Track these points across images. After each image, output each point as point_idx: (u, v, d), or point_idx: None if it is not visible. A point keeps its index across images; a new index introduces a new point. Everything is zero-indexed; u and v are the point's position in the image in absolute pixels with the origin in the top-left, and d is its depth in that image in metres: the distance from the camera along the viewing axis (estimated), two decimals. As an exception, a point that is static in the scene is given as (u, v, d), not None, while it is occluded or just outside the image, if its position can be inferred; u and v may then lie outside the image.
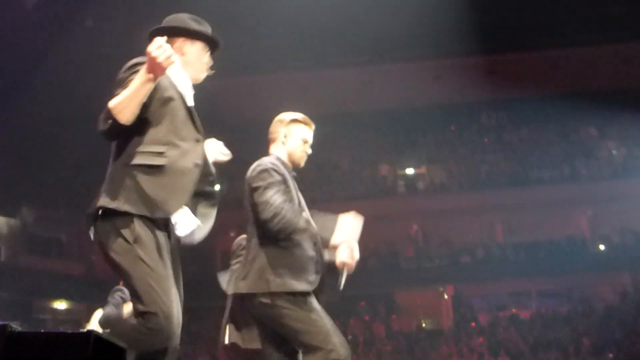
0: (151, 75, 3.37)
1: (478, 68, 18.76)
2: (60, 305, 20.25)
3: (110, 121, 3.41)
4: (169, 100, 3.67)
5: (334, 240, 4.60)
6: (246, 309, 4.60)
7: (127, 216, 3.49)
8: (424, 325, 21.91)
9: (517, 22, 18.16)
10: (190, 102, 3.80)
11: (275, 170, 4.43)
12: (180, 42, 3.84)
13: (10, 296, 17.92)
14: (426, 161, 23.13)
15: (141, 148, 3.59)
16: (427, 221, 21.97)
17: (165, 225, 3.62)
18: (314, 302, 4.42)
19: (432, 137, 21.53)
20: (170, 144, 3.63)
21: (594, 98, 19.08)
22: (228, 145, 4.12)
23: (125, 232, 3.48)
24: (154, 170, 3.56)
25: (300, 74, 18.35)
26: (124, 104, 3.40)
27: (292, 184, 4.52)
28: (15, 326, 1.04)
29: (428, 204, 21.65)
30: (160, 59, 3.30)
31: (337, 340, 4.31)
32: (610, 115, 20.04)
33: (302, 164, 4.69)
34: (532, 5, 17.76)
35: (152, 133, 3.62)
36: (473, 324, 20.59)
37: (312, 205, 4.78)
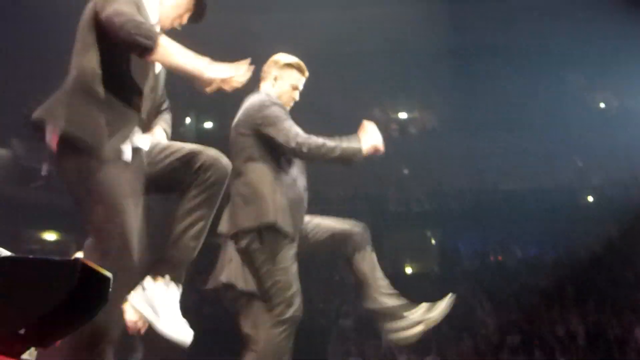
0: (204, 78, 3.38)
1: (474, 12, 18.54)
2: (50, 236, 20.33)
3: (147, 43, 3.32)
4: None
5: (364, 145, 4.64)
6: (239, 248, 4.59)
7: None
8: (410, 268, 22.06)
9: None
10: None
11: (280, 105, 4.50)
12: None
13: (-1, 226, 17.92)
14: (419, 105, 23.13)
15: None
16: (417, 166, 21.99)
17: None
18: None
19: (426, 81, 21.35)
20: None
21: (587, 48, 18.99)
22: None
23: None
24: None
25: (294, 14, 18.20)
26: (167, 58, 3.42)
27: None
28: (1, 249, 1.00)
29: (419, 148, 21.68)
30: (228, 81, 3.39)
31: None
32: (602, 66, 19.87)
33: (287, 109, 4.64)
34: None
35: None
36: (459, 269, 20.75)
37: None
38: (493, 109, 20.26)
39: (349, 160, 4.51)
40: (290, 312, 4.39)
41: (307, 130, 4.48)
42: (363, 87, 20.01)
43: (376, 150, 4.56)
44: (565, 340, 17.02)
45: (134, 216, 3.39)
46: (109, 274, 1.06)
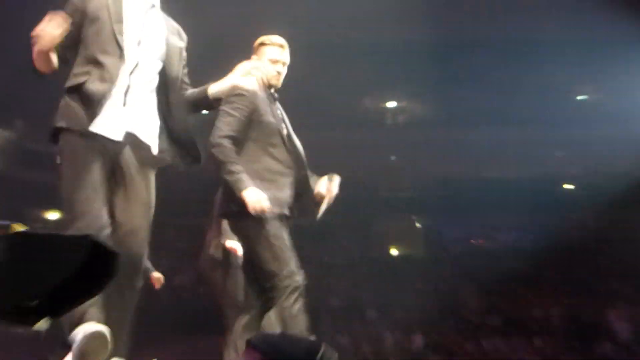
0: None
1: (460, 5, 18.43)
2: (52, 215, 20.30)
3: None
4: (95, 20, 3.65)
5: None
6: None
7: (63, 133, 3.65)
8: (397, 252, 22.10)
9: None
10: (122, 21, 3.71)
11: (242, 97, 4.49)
12: None
13: (3, 205, 17.87)
14: (408, 95, 23.08)
15: (73, 70, 3.70)
16: (404, 153, 21.97)
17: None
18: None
19: (416, 72, 21.26)
20: (94, 62, 3.62)
21: (568, 44, 18.98)
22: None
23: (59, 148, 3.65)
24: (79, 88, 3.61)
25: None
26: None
27: (263, 103, 4.55)
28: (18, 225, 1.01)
29: (407, 136, 21.67)
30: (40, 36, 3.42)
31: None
32: (583, 61, 19.84)
33: (278, 82, 4.68)
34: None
35: (81, 53, 3.68)
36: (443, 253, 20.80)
37: (297, 133, 4.79)
38: (477, 101, 20.25)
39: (231, 190, 4.44)
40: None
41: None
42: (353, 77, 19.93)
43: (255, 210, 4.31)
44: (542, 322, 17.12)
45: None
46: (114, 249, 1.07)
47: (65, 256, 1.02)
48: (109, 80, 3.58)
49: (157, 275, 6.82)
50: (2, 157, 19.92)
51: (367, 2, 17.87)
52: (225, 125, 4.41)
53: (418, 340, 16.56)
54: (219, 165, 4.51)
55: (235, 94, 4.36)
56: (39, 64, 3.56)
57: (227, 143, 4.39)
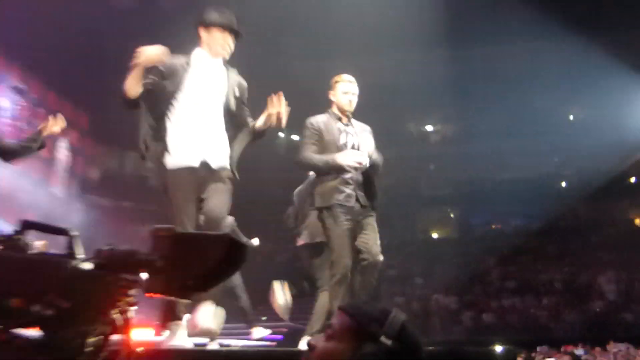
0: None
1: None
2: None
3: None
4: (173, 74, 3.50)
5: None
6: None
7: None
8: (436, 235, 21.88)
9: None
10: (201, 75, 3.54)
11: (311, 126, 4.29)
12: (199, 30, 3.62)
13: (152, 207, 17.90)
14: (440, 120, 22.99)
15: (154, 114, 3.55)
16: (440, 163, 21.80)
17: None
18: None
19: (445, 102, 20.94)
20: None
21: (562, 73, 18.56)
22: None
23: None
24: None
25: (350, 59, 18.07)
26: None
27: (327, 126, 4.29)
28: (181, 230, 1.02)
29: (441, 150, 21.54)
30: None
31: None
32: (573, 86, 19.34)
33: (350, 108, 4.38)
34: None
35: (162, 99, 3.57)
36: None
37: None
38: (491, 122, 19.94)
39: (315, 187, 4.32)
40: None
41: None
42: (400, 107, 19.83)
43: (355, 164, 4.10)
44: (547, 285, 16.74)
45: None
46: (246, 243, 1.09)
47: (212, 249, 1.05)
48: (185, 122, 3.44)
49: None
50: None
51: (405, 55, 17.76)
52: (304, 147, 4.23)
53: (454, 300, 16.35)
54: (308, 167, 4.45)
55: (305, 127, 4.27)
56: (129, 84, 3.28)
57: (307, 154, 4.21)
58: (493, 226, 20.91)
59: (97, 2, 13.99)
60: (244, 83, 3.76)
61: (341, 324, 1.31)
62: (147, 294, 1.06)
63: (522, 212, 20.59)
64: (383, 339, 1.25)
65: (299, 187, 5.53)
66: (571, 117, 22.22)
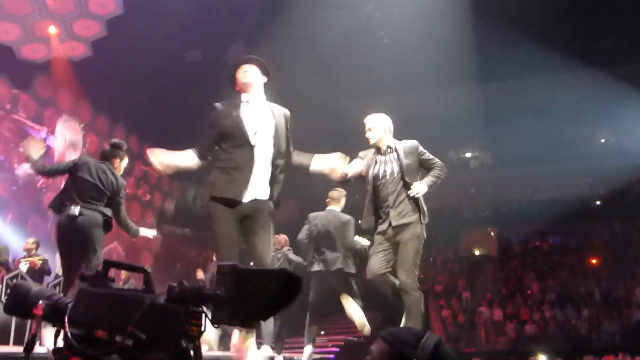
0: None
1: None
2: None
3: None
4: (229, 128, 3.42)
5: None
6: None
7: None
8: (478, 252, 21.37)
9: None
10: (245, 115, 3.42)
11: None
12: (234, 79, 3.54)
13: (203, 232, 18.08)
14: (479, 147, 22.70)
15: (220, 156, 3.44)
16: (480, 187, 21.43)
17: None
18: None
19: (481, 131, 20.67)
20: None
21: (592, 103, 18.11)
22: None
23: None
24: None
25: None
26: None
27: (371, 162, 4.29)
28: (241, 266, 1.04)
29: (480, 175, 21.24)
30: None
31: None
32: (603, 113, 18.82)
33: (376, 144, 4.38)
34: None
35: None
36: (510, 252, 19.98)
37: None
38: (528, 145, 19.55)
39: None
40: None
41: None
42: (441, 136, 19.66)
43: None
44: (586, 297, 16.10)
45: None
46: (300, 276, 1.09)
47: (270, 283, 1.05)
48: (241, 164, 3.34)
49: None
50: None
51: (444, 90, 17.66)
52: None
53: (498, 312, 15.86)
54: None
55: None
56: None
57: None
58: (532, 244, 20.27)
59: (171, 56, 14.50)
60: (288, 113, 3.59)
61: (379, 350, 1.32)
62: (212, 324, 1.08)
63: (560, 230, 19.99)
64: None
65: None
66: (602, 140, 21.58)
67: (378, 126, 4.35)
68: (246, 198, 3.29)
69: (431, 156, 4.42)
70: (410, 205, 4.18)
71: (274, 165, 3.38)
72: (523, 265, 18.42)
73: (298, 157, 3.58)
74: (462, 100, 17.95)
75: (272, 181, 3.39)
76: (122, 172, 4.75)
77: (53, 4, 12.02)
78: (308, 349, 5.72)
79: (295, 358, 6.02)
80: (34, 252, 8.08)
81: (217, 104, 3.45)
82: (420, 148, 4.42)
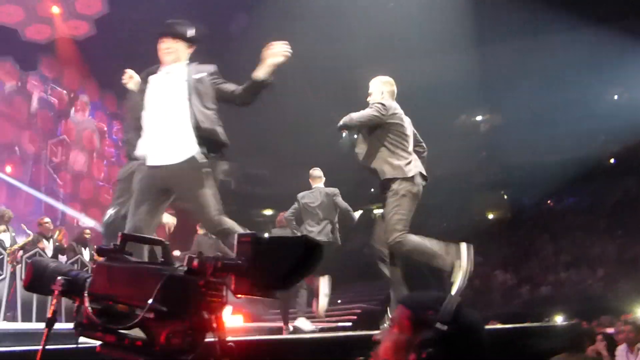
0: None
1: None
2: (268, 212, 20.74)
3: None
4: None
5: None
6: None
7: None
8: (492, 215, 21.36)
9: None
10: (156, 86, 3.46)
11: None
12: None
13: (233, 209, 18.37)
14: (490, 111, 22.50)
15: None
16: (491, 150, 21.29)
17: None
18: None
19: (494, 94, 20.38)
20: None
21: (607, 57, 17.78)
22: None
23: None
24: None
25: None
26: None
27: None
28: (261, 235, 1.03)
29: (491, 138, 21.09)
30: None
31: None
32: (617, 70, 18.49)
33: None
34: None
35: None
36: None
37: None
38: (540, 106, 19.32)
39: None
40: None
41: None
42: (453, 101, 19.47)
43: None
44: (600, 257, 16.09)
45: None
46: (321, 242, 1.07)
47: (291, 250, 1.03)
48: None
49: None
50: (234, 179, 20.80)
51: (452, 55, 17.40)
52: None
53: (512, 276, 15.92)
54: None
55: None
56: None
57: None
58: (545, 206, 20.19)
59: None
60: (210, 69, 3.53)
61: (400, 316, 1.31)
62: (234, 295, 1.06)
63: (573, 191, 19.85)
64: (438, 325, 1.22)
65: None
66: (615, 97, 21.27)
67: (376, 89, 4.42)
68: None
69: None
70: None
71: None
72: (536, 228, 18.38)
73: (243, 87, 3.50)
74: (470, 64, 17.69)
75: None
76: None
77: (54, -17, 11.92)
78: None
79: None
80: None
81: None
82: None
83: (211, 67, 3.54)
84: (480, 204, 21.25)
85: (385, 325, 4.00)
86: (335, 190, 6.39)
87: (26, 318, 6.68)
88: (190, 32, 3.53)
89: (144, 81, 3.51)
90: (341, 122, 4.20)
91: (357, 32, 15.22)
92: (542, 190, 19.83)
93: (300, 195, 6.45)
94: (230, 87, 3.49)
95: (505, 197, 21.74)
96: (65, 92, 13.99)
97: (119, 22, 12.79)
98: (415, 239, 4.06)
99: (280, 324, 6.84)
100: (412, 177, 4.15)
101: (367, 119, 4.20)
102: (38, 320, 6.67)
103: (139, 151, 3.38)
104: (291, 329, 6.27)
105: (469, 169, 21.14)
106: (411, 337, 1.25)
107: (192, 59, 3.56)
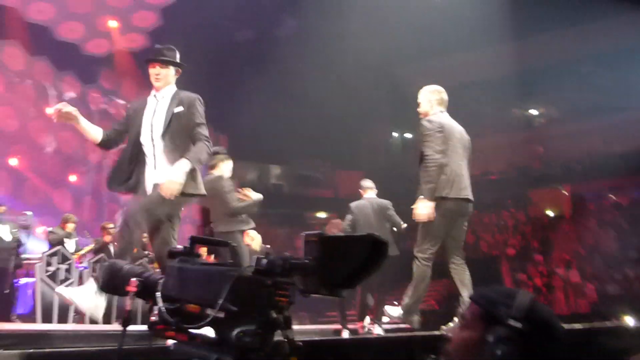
0: None
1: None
2: (321, 214, 20.82)
3: None
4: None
5: None
6: None
7: None
8: (551, 212, 20.63)
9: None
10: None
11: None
12: None
13: (286, 212, 18.56)
14: (543, 103, 21.85)
15: None
16: (548, 144, 20.60)
17: None
18: None
19: (547, 87, 19.72)
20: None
21: None
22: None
23: None
24: None
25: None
26: None
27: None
28: (328, 235, 1.03)
29: (547, 132, 20.43)
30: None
31: None
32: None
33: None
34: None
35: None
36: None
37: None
38: (596, 96, 18.56)
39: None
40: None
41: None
42: (508, 96, 19.03)
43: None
44: None
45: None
46: (386, 240, 1.07)
47: (357, 249, 1.04)
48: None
49: None
50: (287, 182, 20.98)
51: (501, 48, 16.99)
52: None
53: (576, 274, 15.36)
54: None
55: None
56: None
57: None
58: (608, 200, 19.34)
59: (224, 35, 14.69)
60: (191, 101, 3.68)
61: (471, 312, 1.27)
62: (302, 294, 1.07)
63: (638, 183, 18.92)
64: (512, 321, 1.18)
65: None
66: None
67: (424, 99, 4.44)
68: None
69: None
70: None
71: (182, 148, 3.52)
72: (600, 223, 17.66)
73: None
74: (522, 56, 17.26)
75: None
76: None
77: (111, -1, 12.40)
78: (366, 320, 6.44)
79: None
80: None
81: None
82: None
83: (194, 98, 3.70)
84: (539, 200, 20.61)
85: (451, 323, 4.01)
86: (389, 204, 6.41)
87: (93, 320, 6.94)
88: (177, 57, 3.78)
89: (144, 101, 3.75)
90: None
91: (404, 29, 15.07)
92: (605, 184, 19.04)
93: (353, 205, 6.49)
94: (199, 131, 3.61)
95: (565, 192, 20.99)
96: (123, 102, 14.52)
97: (172, 34, 13.18)
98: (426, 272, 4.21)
99: (336, 326, 6.87)
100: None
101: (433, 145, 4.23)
102: (105, 322, 6.95)
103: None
104: (347, 333, 6.32)
105: (525, 165, 20.56)
106: (483, 335, 1.21)
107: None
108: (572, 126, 19.19)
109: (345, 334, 6.27)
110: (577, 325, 4.25)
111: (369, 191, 6.51)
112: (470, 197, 4.27)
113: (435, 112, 4.35)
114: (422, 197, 4.14)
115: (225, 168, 5.21)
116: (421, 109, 4.41)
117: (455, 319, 4.00)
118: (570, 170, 19.87)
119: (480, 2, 14.59)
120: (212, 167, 5.20)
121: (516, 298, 1.22)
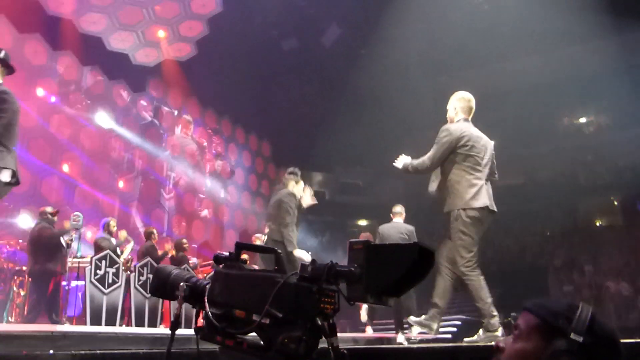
0: None
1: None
2: (362, 222, 20.79)
3: None
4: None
5: None
6: None
7: None
8: (600, 223, 19.97)
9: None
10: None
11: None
12: None
13: (328, 219, 18.59)
14: (593, 111, 21.19)
15: None
16: (597, 152, 19.94)
17: None
18: None
19: (595, 93, 19.16)
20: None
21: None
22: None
23: None
24: None
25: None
26: None
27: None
28: (374, 242, 1.05)
29: (596, 140, 19.77)
30: None
31: None
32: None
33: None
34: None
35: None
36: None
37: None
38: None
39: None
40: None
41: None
42: (558, 106, 18.59)
43: None
44: None
45: None
46: (433, 250, 1.05)
47: (403, 257, 1.03)
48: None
49: None
50: (329, 189, 21.00)
51: (549, 55, 16.59)
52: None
53: (627, 286, 14.76)
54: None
55: None
56: None
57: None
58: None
59: (269, 43, 14.87)
60: None
61: (527, 323, 1.22)
62: (348, 301, 1.07)
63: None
64: (573, 335, 1.13)
65: None
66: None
67: (450, 106, 4.52)
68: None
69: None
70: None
71: None
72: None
73: None
74: (570, 64, 16.85)
75: None
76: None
77: (160, 9, 12.73)
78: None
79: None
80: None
81: None
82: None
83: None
84: (587, 210, 19.97)
85: (480, 332, 4.05)
86: (412, 229, 6.97)
87: (139, 323, 7.11)
88: None
89: None
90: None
91: (450, 38, 14.93)
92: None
93: (380, 228, 7.07)
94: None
95: (615, 202, 20.27)
96: (169, 110, 14.86)
97: (218, 43, 13.44)
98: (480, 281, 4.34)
99: (382, 334, 7.01)
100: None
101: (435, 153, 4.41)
102: (150, 325, 7.10)
103: None
104: (402, 337, 6.41)
105: (573, 173, 19.95)
106: (540, 347, 1.17)
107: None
108: (623, 134, 18.55)
109: (401, 338, 6.47)
110: (628, 340, 4.07)
111: (397, 216, 7.07)
112: (494, 207, 4.33)
113: (459, 119, 4.37)
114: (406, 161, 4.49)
115: (298, 189, 5.74)
116: (448, 114, 4.52)
117: (481, 331, 4.01)
118: (620, 179, 19.20)
119: (527, 7, 14.31)
120: (285, 184, 5.76)
121: (577, 311, 1.17)
